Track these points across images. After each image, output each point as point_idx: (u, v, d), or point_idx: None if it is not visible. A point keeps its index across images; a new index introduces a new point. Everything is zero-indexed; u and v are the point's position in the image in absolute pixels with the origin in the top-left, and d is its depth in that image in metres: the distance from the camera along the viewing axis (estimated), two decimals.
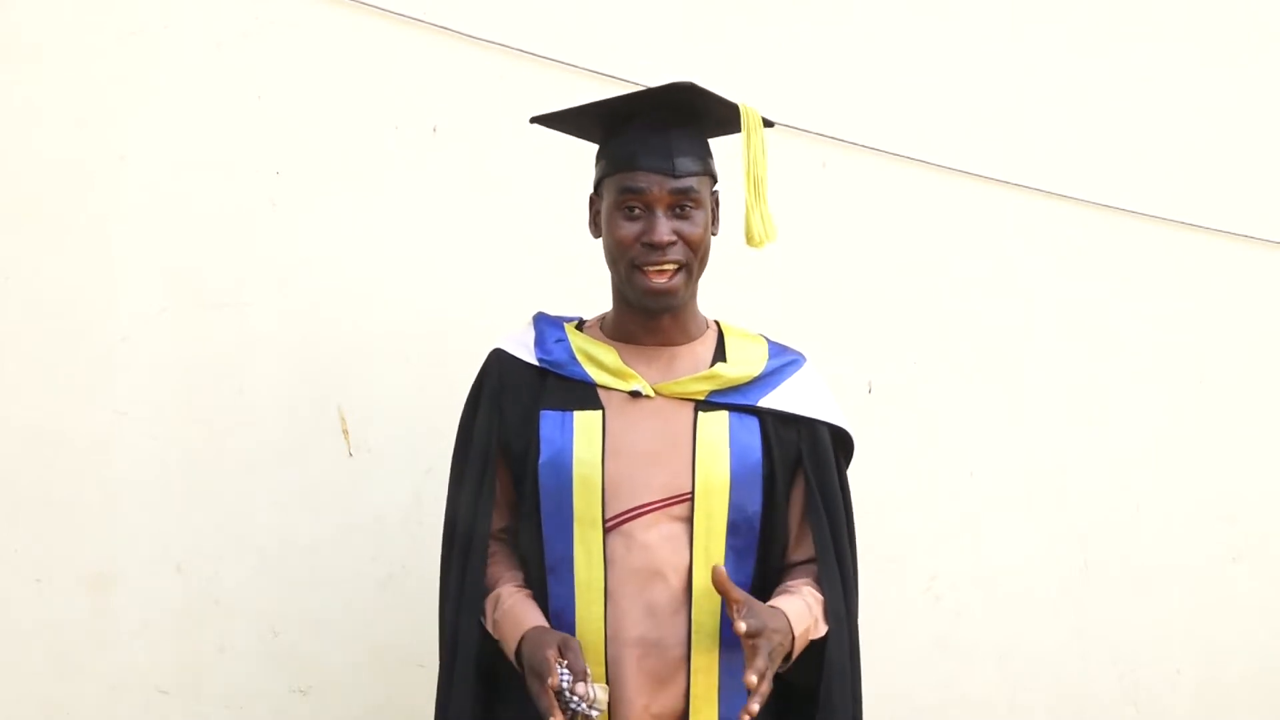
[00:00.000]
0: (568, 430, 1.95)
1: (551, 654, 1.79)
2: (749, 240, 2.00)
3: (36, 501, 2.20)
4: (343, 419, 2.45)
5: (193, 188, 2.35)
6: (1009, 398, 3.29)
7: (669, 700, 1.91)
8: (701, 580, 1.91)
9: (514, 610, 1.92)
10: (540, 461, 1.94)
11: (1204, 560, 3.56)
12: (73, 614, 2.22)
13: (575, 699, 1.79)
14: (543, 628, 1.89)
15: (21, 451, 2.19)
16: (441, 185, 2.58)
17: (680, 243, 1.93)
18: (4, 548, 2.18)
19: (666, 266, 1.92)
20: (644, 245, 1.92)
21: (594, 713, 1.80)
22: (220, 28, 2.38)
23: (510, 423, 1.99)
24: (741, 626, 1.77)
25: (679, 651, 1.91)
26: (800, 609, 1.92)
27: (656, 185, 1.92)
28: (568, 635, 1.87)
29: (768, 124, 2.01)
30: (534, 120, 2.09)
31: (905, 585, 3.12)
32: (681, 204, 1.93)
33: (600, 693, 1.82)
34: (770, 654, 1.79)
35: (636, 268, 1.93)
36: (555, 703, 1.77)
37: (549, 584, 1.94)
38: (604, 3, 2.79)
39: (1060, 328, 3.37)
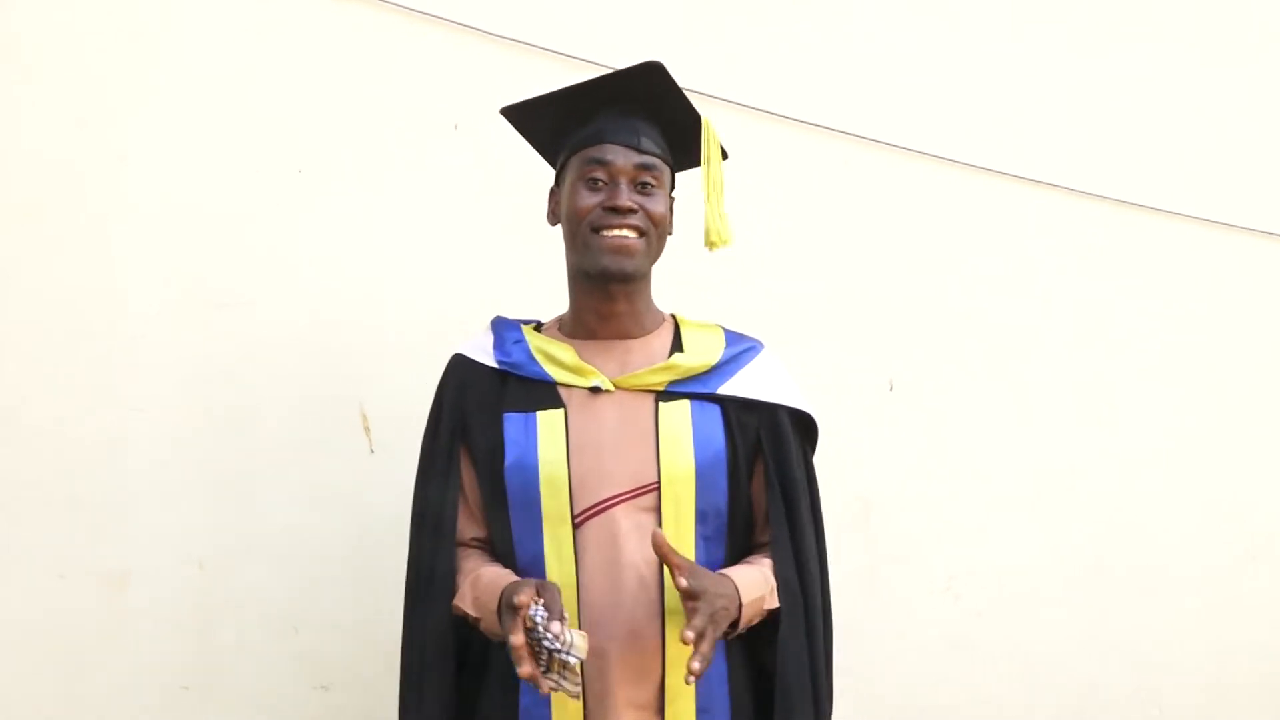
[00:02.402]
0: (531, 431, 1.96)
1: (528, 591, 1.76)
2: (707, 242, 2.03)
3: (57, 499, 2.20)
4: (364, 416, 2.45)
5: (214, 185, 2.35)
6: (1025, 397, 3.28)
7: (647, 691, 1.91)
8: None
9: (496, 579, 1.91)
10: (506, 464, 1.95)
11: (1220, 560, 3.56)
12: (93, 610, 2.22)
13: (549, 637, 1.74)
14: (521, 579, 1.87)
15: (41, 449, 2.20)
16: (462, 182, 2.58)
17: (641, 212, 1.95)
18: (25, 545, 2.18)
19: (627, 232, 1.94)
20: (605, 209, 1.95)
21: (571, 658, 1.75)
22: (240, 25, 2.38)
23: (474, 427, 2.00)
24: (682, 582, 1.77)
25: (654, 642, 1.91)
26: (754, 577, 1.93)
27: (622, 157, 1.96)
28: (548, 581, 1.85)
29: (724, 155, 2.05)
30: (503, 111, 2.09)
31: (921, 584, 3.12)
32: (644, 180, 1.97)
33: (578, 639, 1.77)
34: (712, 616, 1.80)
35: (595, 231, 1.95)
36: (523, 636, 1.72)
37: None
38: (631, 0, 2.79)
39: (1077, 326, 3.37)
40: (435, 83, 2.57)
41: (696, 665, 1.75)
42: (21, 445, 2.19)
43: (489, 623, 1.90)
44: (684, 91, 2.01)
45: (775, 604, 1.95)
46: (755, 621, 1.94)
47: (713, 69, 2.86)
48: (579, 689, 1.79)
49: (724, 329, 2.10)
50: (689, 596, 1.79)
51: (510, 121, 2.10)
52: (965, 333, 3.21)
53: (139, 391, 2.28)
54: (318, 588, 2.39)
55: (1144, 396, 3.48)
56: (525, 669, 1.72)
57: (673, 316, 2.11)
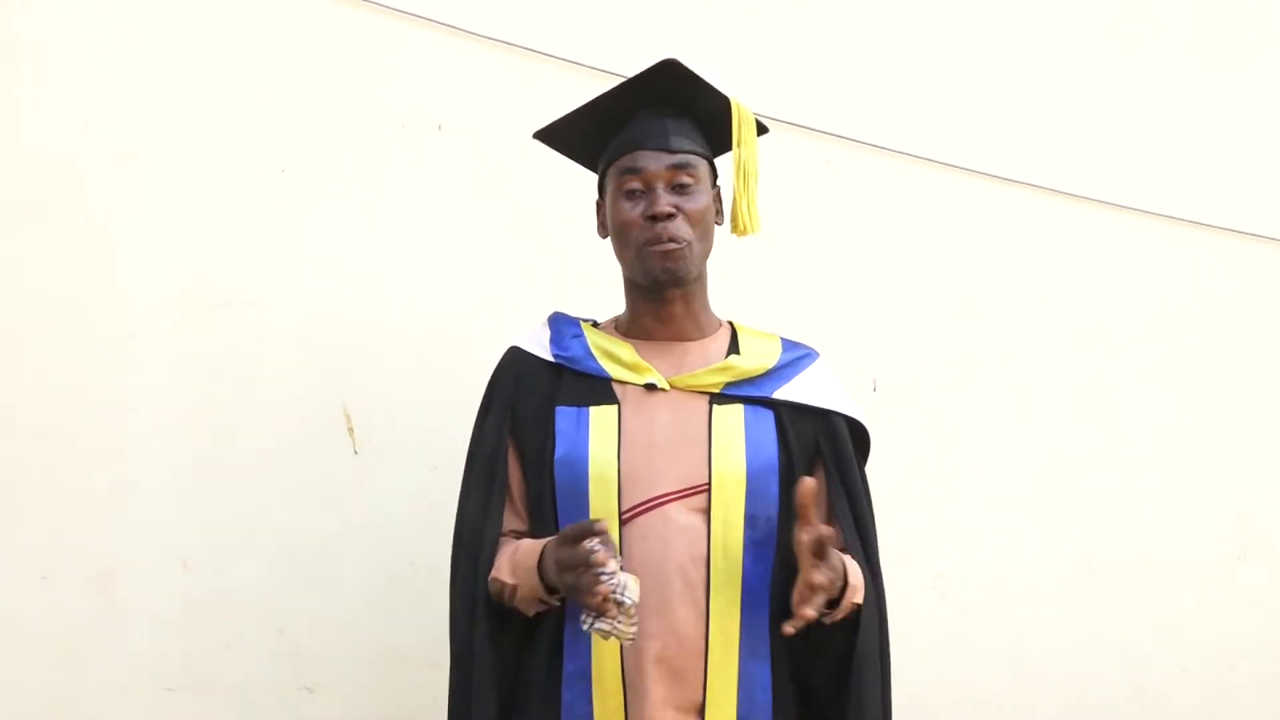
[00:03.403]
0: (583, 425, 1.95)
1: (583, 525, 1.76)
2: (734, 228, 2.04)
3: (44, 498, 2.20)
4: (348, 417, 2.45)
5: (201, 186, 2.35)
6: (1015, 396, 3.28)
7: (687, 692, 1.90)
8: (719, 572, 1.91)
9: (534, 545, 1.90)
10: (556, 457, 1.95)
11: (1212, 559, 3.55)
12: (80, 611, 2.22)
13: (605, 573, 1.72)
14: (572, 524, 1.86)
15: (29, 448, 2.20)
16: (447, 183, 2.58)
17: (680, 216, 1.95)
18: (12, 545, 2.18)
19: (670, 247, 1.94)
20: (647, 219, 1.94)
21: (625, 599, 1.74)
22: (226, 26, 2.39)
23: (525, 420, 2.00)
24: (805, 536, 1.74)
25: (697, 644, 1.90)
26: (855, 567, 1.93)
27: (654, 161, 1.96)
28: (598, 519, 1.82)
29: (762, 129, 2.05)
30: (536, 136, 2.11)
31: (911, 583, 3.10)
32: (680, 180, 1.96)
33: (631, 581, 1.76)
34: (830, 583, 1.78)
35: (643, 245, 1.95)
36: (595, 576, 1.71)
37: None
38: (609, 1, 2.79)
39: (1067, 326, 3.37)
40: (429, 83, 2.57)
41: (810, 611, 1.74)
42: (15, 445, 2.19)
43: (527, 586, 1.89)
44: (706, 80, 2.00)
45: (860, 600, 1.92)
46: (841, 616, 1.91)
47: (706, 68, 2.86)
48: (635, 630, 1.77)
49: (781, 337, 2.11)
50: (819, 554, 1.76)
51: (545, 143, 2.12)
52: (956, 333, 3.21)
53: (132, 392, 2.28)
54: (305, 588, 2.39)
55: (1140, 397, 3.48)
56: (599, 597, 1.71)
57: (730, 323, 2.11)
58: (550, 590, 1.87)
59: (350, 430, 2.45)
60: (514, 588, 1.92)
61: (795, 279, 2.98)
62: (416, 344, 2.52)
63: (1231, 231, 3.63)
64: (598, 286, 2.53)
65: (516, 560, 1.92)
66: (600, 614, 1.74)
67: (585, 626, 1.77)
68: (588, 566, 1.73)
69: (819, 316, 3.01)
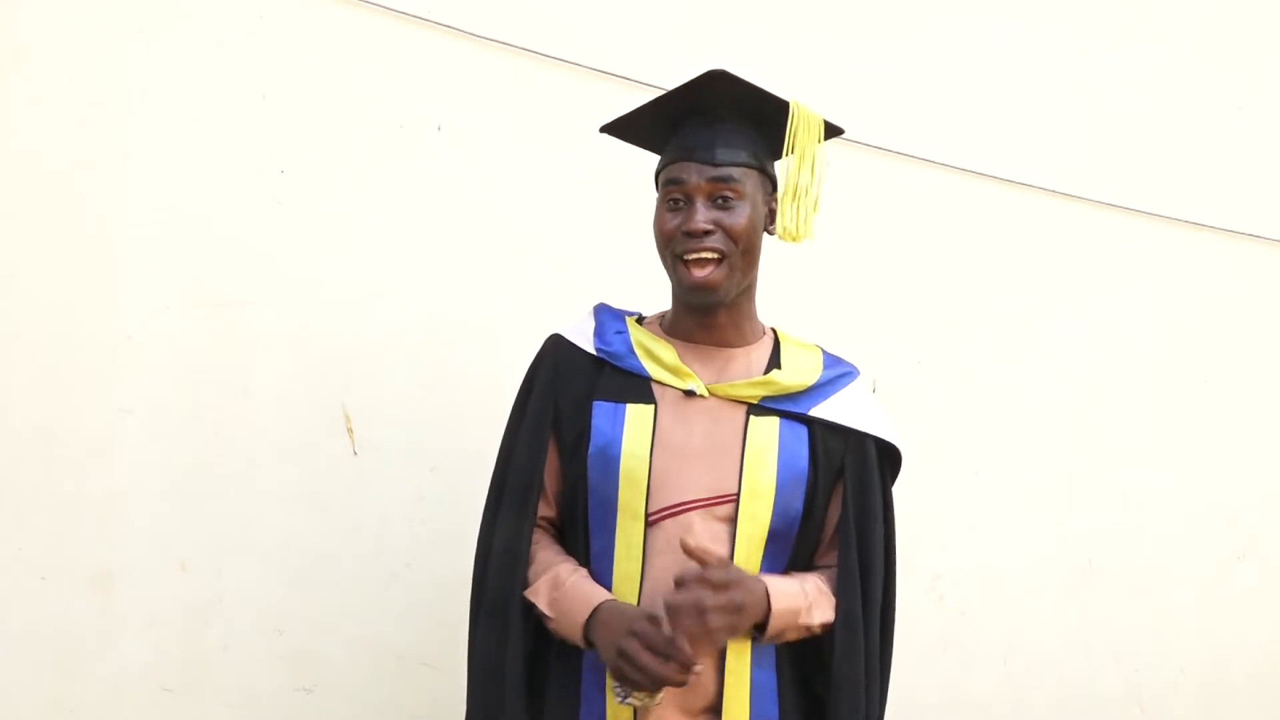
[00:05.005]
0: (619, 422, 1.95)
1: (650, 621, 1.79)
2: (780, 234, 2.00)
3: (41, 500, 2.20)
4: (347, 418, 2.45)
5: (198, 186, 2.35)
6: (1013, 397, 3.29)
7: (701, 696, 1.90)
8: None
9: (580, 585, 1.91)
10: (589, 451, 1.94)
11: (1208, 560, 3.55)
12: (77, 612, 2.22)
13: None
14: (619, 602, 1.88)
15: (26, 450, 2.20)
16: (445, 184, 2.58)
17: (719, 232, 1.93)
18: (9, 546, 2.18)
19: (705, 255, 1.92)
20: (683, 234, 1.93)
21: (659, 694, 1.77)
22: (224, 26, 2.39)
23: (563, 410, 1.99)
24: (690, 541, 1.81)
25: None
26: (791, 589, 1.92)
27: (695, 174, 1.93)
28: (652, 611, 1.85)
29: (834, 131, 2.02)
30: (603, 129, 2.09)
31: (909, 584, 3.09)
32: (721, 194, 1.93)
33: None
34: (725, 606, 1.80)
35: (678, 258, 1.94)
36: (658, 665, 1.76)
37: (591, 573, 1.94)
38: (607, 1, 2.79)
39: (1066, 326, 3.37)
40: (428, 84, 2.57)
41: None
42: (13, 446, 2.19)
43: (565, 627, 1.90)
44: (761, 86, 1.96)
45: (816, 621, 1.94)
46: (793, 637, 1.94)
47: (702, 69, 2.86)
48: (662, 697, 1.82)
49: (822, 350, 2.10)
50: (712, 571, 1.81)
51: (615, 136, 2.09)
52: (955, 334, 3.21)
53: (130, 393, 2.28)
54: (303, 589, 2.39)
55: (1139, 398, 3.48)
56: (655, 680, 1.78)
57: (773, 330, 2.10)
58: (589, 644, 1.89)
59: (349, 431, 2.45)
60: (551, 619, 1.93)
61: (795, 280, 2.97)
62: (415, 345, 2.52)
63: (1228, 232, 3.63)
64: (598, 287, 2.52)
65: (559, 600, 1.92)
66: (634, 689, 1.79)
67: (619, 699, 1.81)
68: (669, 658, 1.77)
69: (819, 317, 3.01)
